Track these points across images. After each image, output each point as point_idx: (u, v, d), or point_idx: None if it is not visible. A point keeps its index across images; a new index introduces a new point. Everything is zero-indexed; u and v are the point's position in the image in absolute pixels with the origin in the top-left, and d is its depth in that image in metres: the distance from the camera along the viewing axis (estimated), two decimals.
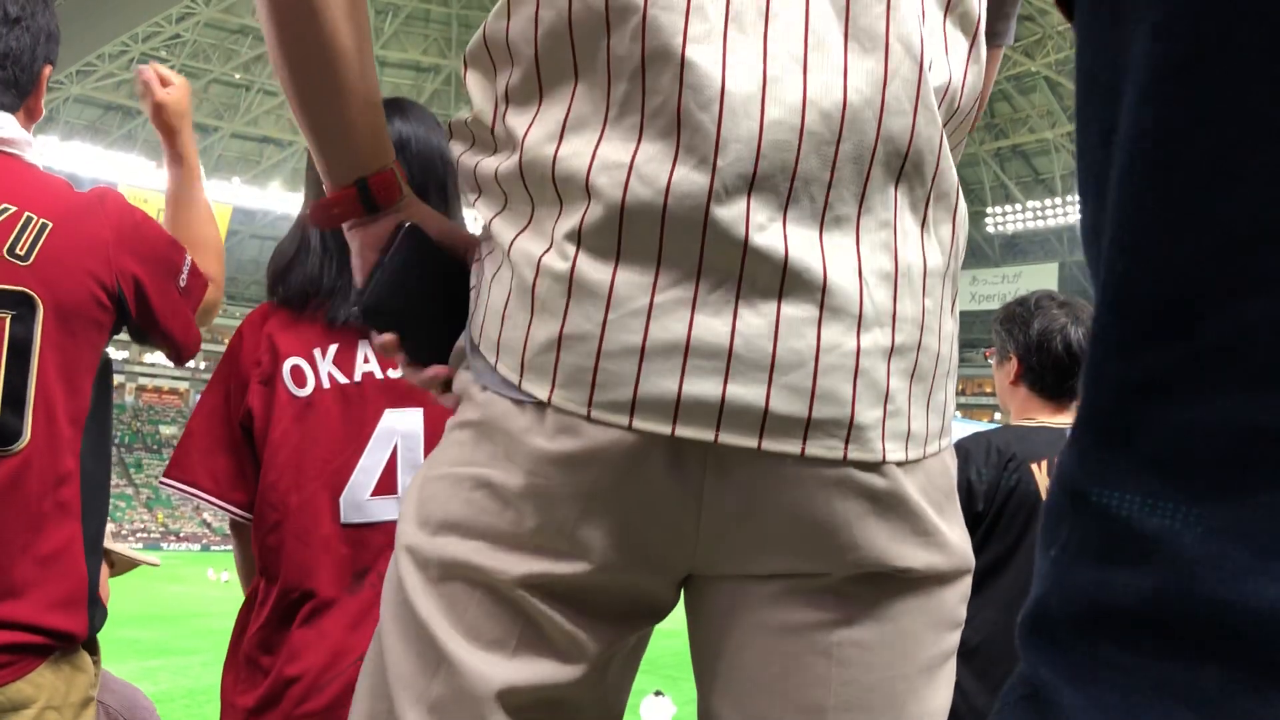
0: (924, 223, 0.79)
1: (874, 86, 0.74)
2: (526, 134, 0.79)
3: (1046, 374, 2.19)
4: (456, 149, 0.88)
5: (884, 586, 0.79)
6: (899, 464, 0.77)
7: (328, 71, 0.83)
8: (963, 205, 0.83)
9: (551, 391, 0.75)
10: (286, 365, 1.50)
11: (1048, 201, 46.58)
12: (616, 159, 0.74)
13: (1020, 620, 0.37)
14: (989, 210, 48.76)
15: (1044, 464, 2.09)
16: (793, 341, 0.73)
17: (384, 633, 0.82)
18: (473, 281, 0.86)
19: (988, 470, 2.08)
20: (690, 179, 0.72)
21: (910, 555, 0.78)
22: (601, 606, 0.80)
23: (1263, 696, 0.29)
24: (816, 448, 0.74)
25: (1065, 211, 45.63)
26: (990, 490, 2.08)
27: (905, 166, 0.76)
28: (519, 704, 0.78)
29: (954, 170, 0.81)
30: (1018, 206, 47.70)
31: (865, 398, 0.75)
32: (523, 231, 0.79)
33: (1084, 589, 0.34)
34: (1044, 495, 2.11)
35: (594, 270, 0.74)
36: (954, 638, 0.83)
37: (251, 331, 1.54)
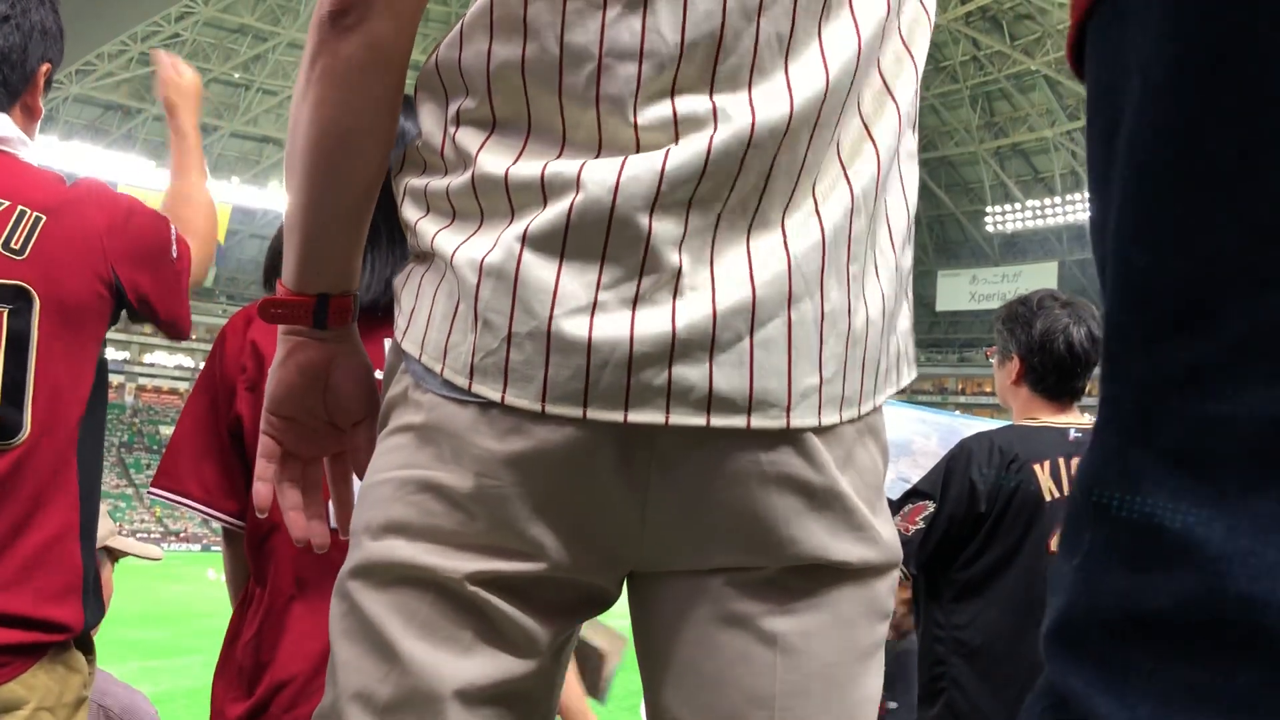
0: (851, 192, 0.81)
1: (814, 104, 0.78)
2: (480, 151, 0.80)
3: (1049, 374, 2.18)
4: (405, 178, 0.88)
5: (822, 578, 0.82)
6: (834, 426, 0.80)
7: (354, 181, 0.86)
8: (883, 137, 0.83)
9: (504, 391, 0.77)
10: None
11: (1047, 200, 46.50)
12: (569, 167, 0.77)
13: (1045, 631, 0.36)
14: (988, 209, 48.69)
15: (1046, 464, 2.09)
16: (730, 320, 0.76)
17: (333, 645, 0.83)
18: (406, 300, 0.86)
19: (990, 470, 2.08)
20: (638, 180, 0.75)
21: (846, 549, 0.82)
22: (552, 600, 0.82)
23: None
24: (761, 419, 0.77)
25: (1065, 210, 45.55)
26: (992, 491, 2.07)
27: (824, 161, 0.80)
28: (477, 700, 0.79)
29: (873, 138, 0.82)
30: (1017, 205, 47.62)
31: (800, 368, 0.78)
32: (467, 240, 0.80)
33: (1113, 596, 0.34)
34: (1046, 495, 2.11)
35: (538, 268, 0.76)
36: (884, 627, 0.87)
37: (235, 336, 1.51)
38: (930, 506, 2.10)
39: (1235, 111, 0.32)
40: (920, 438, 2.72)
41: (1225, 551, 0.31)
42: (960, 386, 48.61)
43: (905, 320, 0.90)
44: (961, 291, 49.49)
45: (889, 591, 0.87)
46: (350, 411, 0.94)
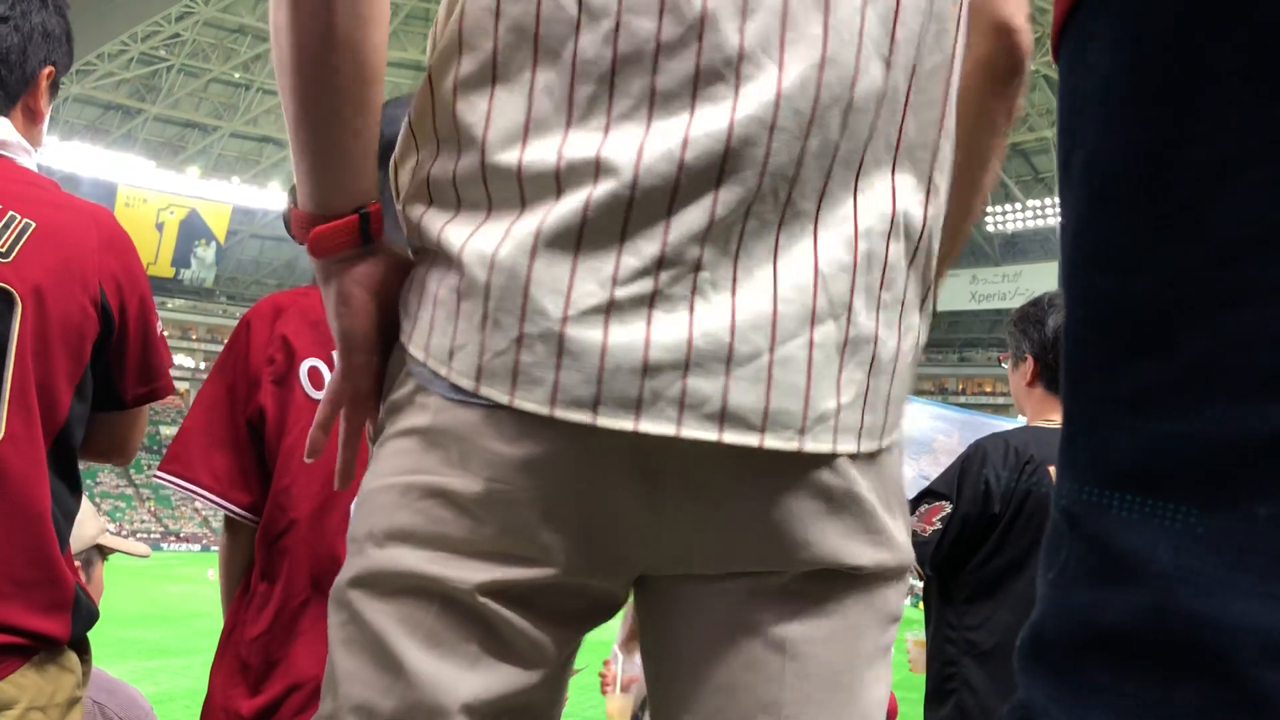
0: (893, 211, 0.77)
1: (843, 84, 0.73)
2: (486, 133, 0.76)
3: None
4: (402, 166, 0.84)
5: (834, 583, 0.80)
6: (851, 457, 0.77)
7: (356, 86, 0.80)
8: (940, 179, 0.81)
9: (513, 393, 0.73)
10: (304, 366, 1.45)
11: (1048, 200, 46.59)
12: (583, 155, 0.73)
13: (1018, 644, 0.36)
14: (989, 209, 48.77)
15: None
16: (749, 334, 0.73)
17: (332, 655, 0.80)
18: (411, 301, 0.82)
19: (1005, 472, 2.07)
20: (655, 171, 0.71)
21: (861, 554, 0.79)
22: (561, 608, 0.80)
23: (1242, 716, 0.29)
24: (774, 440, 0.74)
25: None
26: (1007, 492, 2.06)
27: (865, 157, 0.76)
28: (484, 714, 0.77)
29: (930, 148, 0.79)
30: (1017, 205, 47.71)
31: (819, 390, 0.75)
32: (476, 232, 0.76)
33: (1076, 611, 0.34)
34: None
35: (552, 265, 0.72)
36: (894, 630, 0.85)
37: (262, 326, 1.48)
38: (947, 507, 2.09)
39: (1196, 136, 0.32)
40: (942, 435, 2.70)
41: (1172, 569, 0.31)
42: (960, 387, 48.66)
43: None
44: (961, 291, 49.53)
45: (900, 594, 0.85)
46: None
